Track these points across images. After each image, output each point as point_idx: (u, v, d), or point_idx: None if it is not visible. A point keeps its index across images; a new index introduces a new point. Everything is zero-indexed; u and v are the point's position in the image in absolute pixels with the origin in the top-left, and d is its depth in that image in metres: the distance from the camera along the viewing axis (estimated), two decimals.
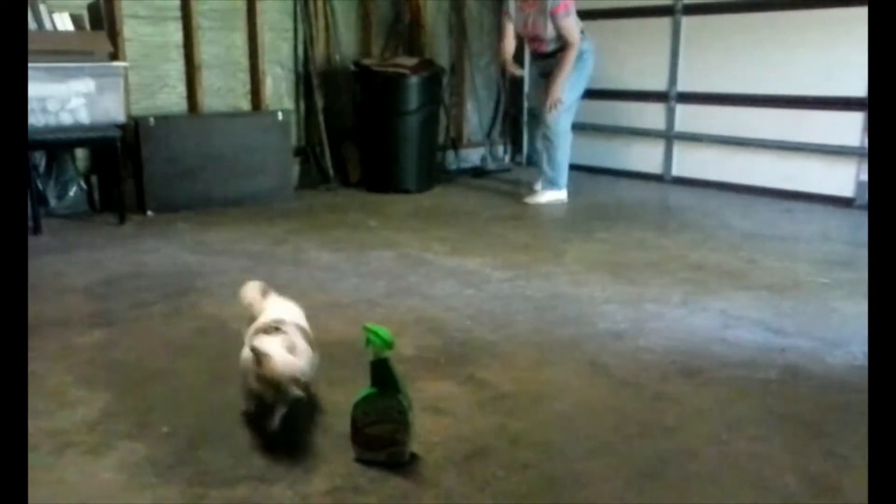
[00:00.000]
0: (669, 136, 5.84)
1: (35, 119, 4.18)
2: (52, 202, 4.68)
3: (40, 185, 4.63)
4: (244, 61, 5.36)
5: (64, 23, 4.41)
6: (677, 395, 2.32)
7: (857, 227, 4.33)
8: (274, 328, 1.98)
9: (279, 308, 2.16)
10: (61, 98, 4.28)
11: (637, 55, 5.89)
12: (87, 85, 4.35)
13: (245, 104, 5.42)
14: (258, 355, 1.86)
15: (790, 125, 5.16)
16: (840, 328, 2.86)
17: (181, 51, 5.09)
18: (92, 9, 4.68)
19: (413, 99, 5.40)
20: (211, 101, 5.23)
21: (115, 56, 4.62)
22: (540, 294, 3.27)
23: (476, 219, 4.77)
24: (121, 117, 4.50)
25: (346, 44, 5.82)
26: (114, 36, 4.69)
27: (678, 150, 5.83)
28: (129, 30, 4.84)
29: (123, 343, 2.71)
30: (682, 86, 5.69)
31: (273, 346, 1.89)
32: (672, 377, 2.45)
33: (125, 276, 3.49)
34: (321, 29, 5.70)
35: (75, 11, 4.51)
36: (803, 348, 2.67)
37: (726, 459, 1.95)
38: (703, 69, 5.57)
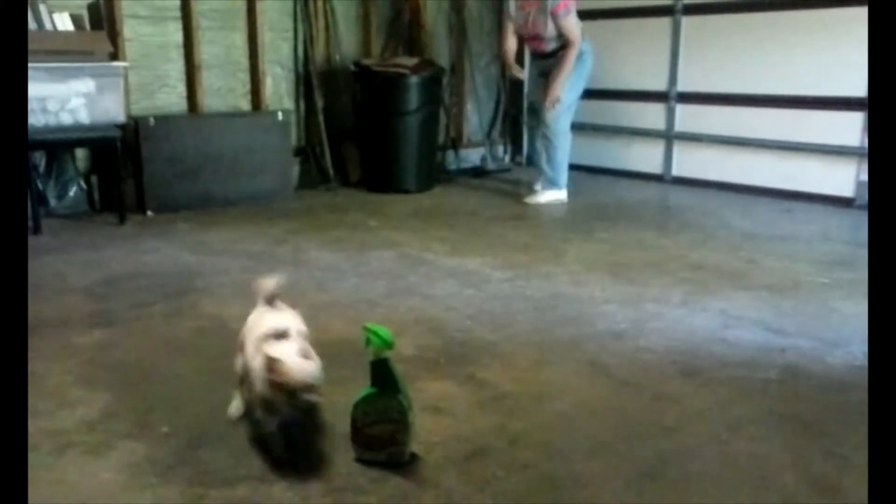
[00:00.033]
0: (669, 136, 5.84)
1: (35, 119, 4.18)
2: (52, 202, 4.68)
3: (40, 185, 4.63)
4: (244, 61, 5.36)
5: (64, 23, 4.41)
6: (677, 395, 2.32)
7: (857, 227, 4.33)
8: (281, 334, 1.93)
9: (281, 317, 2.07)
10: (61, 98, 4.28)
11: (637, 55, 5.89)
12: (87, 85, 4.35)
13: (245, 104, 5.42)
14: (271, 361, 1.80)
15: (790, 125, 5.16)
16: (840, 328, 2.86)
17: (181, 51, 5.09)
18: (92, 9, 4.68)
19: (413, 99, 5.40)
20: (211, 101, 5.23)
21: (115, 56, 4.62)
22: (540, 294, 3.27)
23: (476, 219, 4.78)
24: (121, 117, 4.50)
25: (346, 44, 5.83)
26: (114, 36, 4.69)
27: (678, 150, 5.83)
28: (129, 30, 4.84)
29: (123, 343, 2.71)
30: (682, 86, 5.69)
31: (286, 352, 1.84)
32: (672, 377, 2.45)
33: (125, 276, 3.49)
34: (321, 29, 5.70)
35: (75, 11, 4.52)
36: (803, 348, 2.67)
37: (726, 459, 1.95)
38: (703, 69, 5.57)
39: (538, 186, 5.28)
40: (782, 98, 5.17)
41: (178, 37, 5.07)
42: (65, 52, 4.32)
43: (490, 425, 2.12)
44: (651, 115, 5.90)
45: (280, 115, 5.23)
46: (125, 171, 4.60)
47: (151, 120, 4.75)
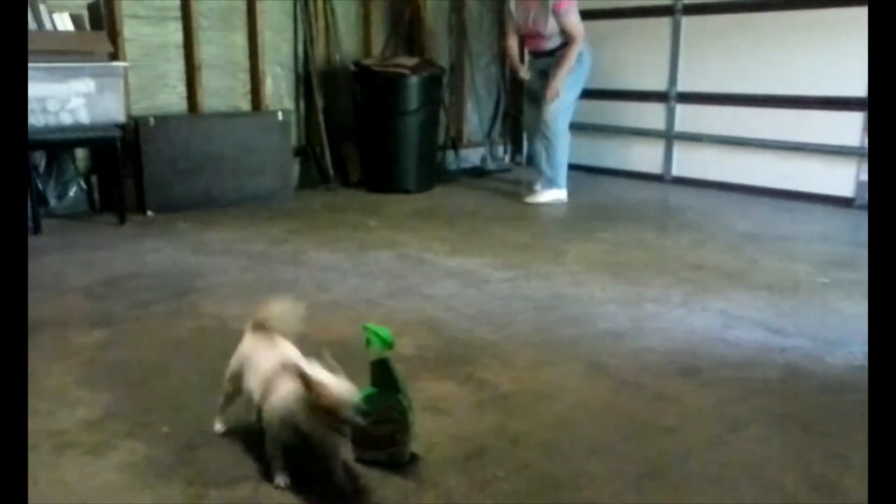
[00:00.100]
0: (669, 136, 5.84)
1: (35, 119, 4.18)
2: (52, 202, 4.68)
3: (40, 185, 4.63)
4: (244, 61, 5.36)
5: (64, 23, 4.41)
6: (677, 395, 2.32)
7: (857, 227, 4.33)
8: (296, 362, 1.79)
9: (284, 345, 1.95)
10: (61, 98, 4.28)
11: (637, 55, 5.89)
12: (87, 85, 4.35)
13: (245, 104, 5.42)
14: (308, 382, 1.66)
15: (790, 125, 5.16)
16: (840, 328, 2.86)
17: (181, 51, 5.09)
18: (92, 9, 4.68)
19: (413, 99, 5.40)
20: (211, 101, 5.23)
21: (115, 56, 4.62)
22: (540, 294, 3.27)
23: (476, 219, 4.77)
24: (121, 117, 4.49)
25: (346, 44, 5.82)
26: (114, 36, 4.69)
27: (678, 150, 5.83)
28: (129, 30, 4.84)
29: (123, 343, 2.71)
30: (682, 86, 5.69)
31: (322, 374, 1.69)
32: (672, 377, 2.44)
33: (125, 276, 3.49)
34: (321, 29, 5.70)
35: (75, 11, 4.52)
36: (803, 348, 2.67)
37: (726, 459, 1.95)
38: (703, 69, 5.57)
39: (538, 186, 5.28)
40: (782, 98, 5.17)
41: (178, 37, 5.07)
42: (65, 52, 4.32)
43: (490, 425, 2.12)
44: (651, 115, 5.90)
45: (280, 115, 5.24)
46: (125, 171, 4.60)
47: (151, 120, 4.75)
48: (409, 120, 5.42)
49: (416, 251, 3.93)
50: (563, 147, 5.12)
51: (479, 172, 6.33)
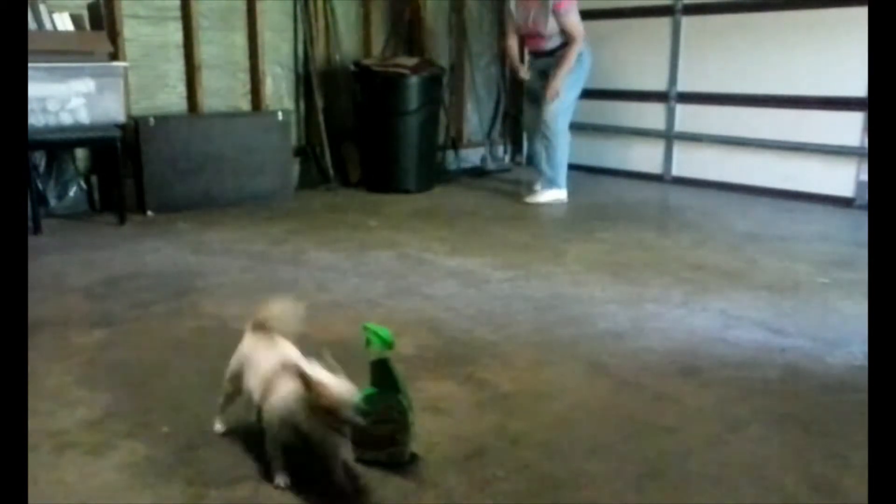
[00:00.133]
0: (669, 136, 5.84)
1: (35, 119, 4.18)
2: (52, 202, 4.68)
3: (40, 185, 4.63)
4: (244, 61, 5.36)
5: (64, 23, 4.41)
6: (677, 395, 2.32)
7: (857, 227, 4.33)
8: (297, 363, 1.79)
9: (284, 345, 1.94)
10: (61, 98, 4.28)
11: (637, 55, 5.89)
12: (87, 85, 4.35)
13: (245, 104, 5.42)
14: (309, 382, 1.66)
15: (790, 125, 5.16)
16: (840, 328, 2.86)
17: (181, 51, 5.09)
18: (92, 9, 4.68)
19: (413, 99, 5.40)
20: (211, 101, 5.23)
21: (115, 56, 4.62)
22: (540, 294, 3.27)
23: (476, 219, 4.77)
24: (121, 117, 4.49)
25: (346, 44, 5.82)
26: (114, 36, 4.69)
27: (678, 150, 5.83)
28: (129, 30, 4.84)
29: (123, 343, 2.71)
30: (682, 86, 5.69)
31: (323, 374, 1.69)
32: (672, 377, 2.44)
33: (125, 276, 3.49)
34: (321, 29, 5.70)
35: (75, 11, 4.52)
36: (803, 348, 2.67)
37: (726, 459, 1.95)
38: (703, 69, 5.57)
39: (538, 186, 5.28)
40: (782, 98, 5.17)
41: (178, 37, 5.07)
42: (65, 52, 4.32)
43: (490, 425, 2.12)
44: (651, 115, 5.90)
45: (280, 115, 5.24)
46: (125, 171, 4.60)
47: (151, 120, 4.75)
48: (409, 120, 5.42)
49: (416, 251, 3.93)
50: (563, 147, 5.12)
51: (479, 172, 6.33)
